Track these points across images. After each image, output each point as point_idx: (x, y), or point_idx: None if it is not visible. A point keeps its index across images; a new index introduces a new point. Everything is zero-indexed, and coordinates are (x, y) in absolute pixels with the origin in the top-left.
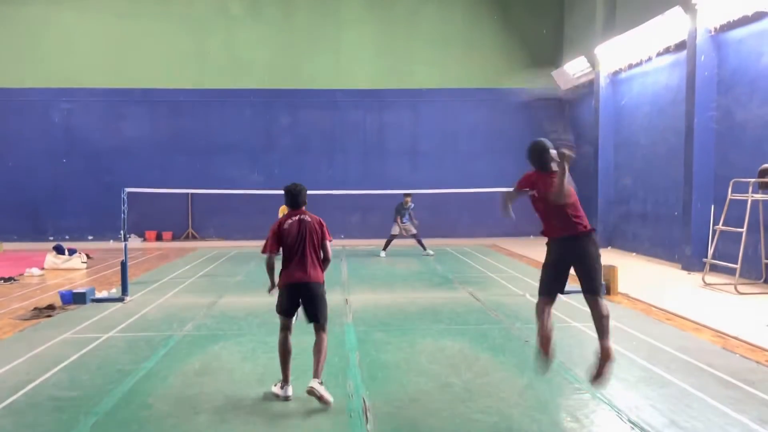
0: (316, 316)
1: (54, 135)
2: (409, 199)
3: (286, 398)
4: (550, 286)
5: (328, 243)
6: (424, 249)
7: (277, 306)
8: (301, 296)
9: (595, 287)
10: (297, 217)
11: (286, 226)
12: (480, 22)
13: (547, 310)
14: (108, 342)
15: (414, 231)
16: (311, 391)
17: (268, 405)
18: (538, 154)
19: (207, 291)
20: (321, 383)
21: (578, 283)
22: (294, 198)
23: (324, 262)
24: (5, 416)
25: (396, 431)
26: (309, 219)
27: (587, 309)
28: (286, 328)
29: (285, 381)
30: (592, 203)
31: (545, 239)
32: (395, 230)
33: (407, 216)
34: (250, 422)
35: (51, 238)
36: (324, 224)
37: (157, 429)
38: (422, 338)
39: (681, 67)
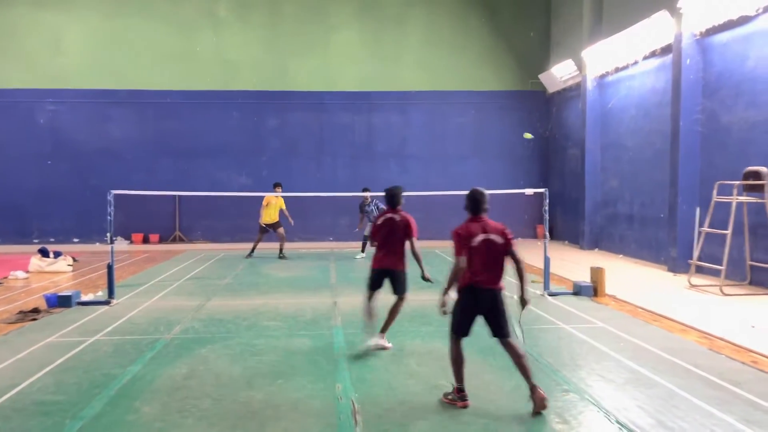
0: (396, 290)
1: (39, 136)
2: (367, 195)
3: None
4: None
5: (413, 240)
6: (363, 251)
7: (367, 281)
8: (386, 277)
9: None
10: (389, 216)
11: (379, 222)
12: (467, 26)
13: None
14: (94, 345)
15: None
16: (375, 348)
17: (257, 408)
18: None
19: (194, 294)
20: (383, 336)
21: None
22: (390, 199)
23: (414, 255)
24: None
25: None
26: (398, 218)
27: (576, 311)
28: (369, 298)
29: (383, 331)
30: (579, 205)
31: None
32: (367, 230)
33: (374, 214)
34: (238, 426)
35: (36, 241)
36: (410, 223)
37: None
38: (411, 340)
39: (667, 71)
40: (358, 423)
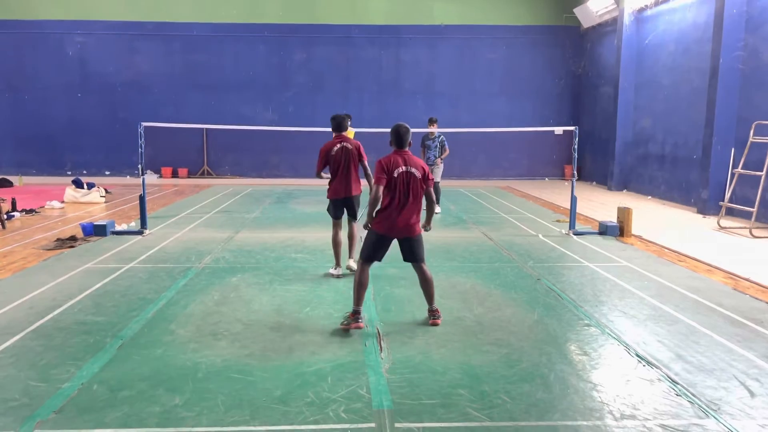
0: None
1: (69, 68)
2: (434, 126)
3: (338, 276)
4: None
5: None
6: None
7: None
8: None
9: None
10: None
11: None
12: None
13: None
14: (130, 272)
15: (437, 178)
16: (348, 268)
17: (286, 334)
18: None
19: (224, 226)
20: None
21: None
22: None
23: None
24: (34, 339)
25: (409, 359)
26: (350, 146)
27: (600, 250)
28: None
29: (337, 264)
30: (609, 145)
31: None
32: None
33: (434, 153)
34: (268, 348)
35: (69, 173)
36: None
37: (180, 352)
38: (435, 274)
39: (709, 4)
40: (383, 349)
